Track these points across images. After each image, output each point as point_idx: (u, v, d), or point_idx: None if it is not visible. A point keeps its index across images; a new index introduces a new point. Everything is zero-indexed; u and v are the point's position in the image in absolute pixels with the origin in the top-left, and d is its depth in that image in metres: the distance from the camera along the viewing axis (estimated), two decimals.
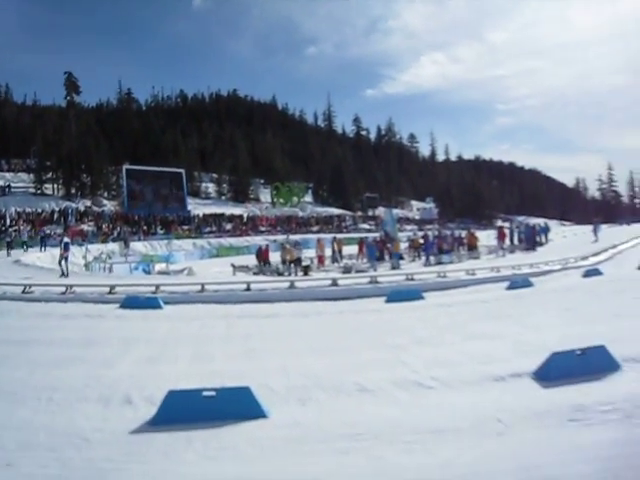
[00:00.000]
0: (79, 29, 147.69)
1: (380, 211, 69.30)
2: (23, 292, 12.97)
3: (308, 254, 25.07)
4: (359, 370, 6.20)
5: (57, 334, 8.91)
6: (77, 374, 6.34)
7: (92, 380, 6.03)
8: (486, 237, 29.25)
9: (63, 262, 17.48)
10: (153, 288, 13.09)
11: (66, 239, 19.17)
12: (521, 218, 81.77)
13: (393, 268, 20.92)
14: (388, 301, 11.69)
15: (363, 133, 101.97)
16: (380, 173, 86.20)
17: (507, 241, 28.17)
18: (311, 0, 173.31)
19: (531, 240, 28.25)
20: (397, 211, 65.47)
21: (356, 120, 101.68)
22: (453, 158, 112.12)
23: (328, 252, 25.87)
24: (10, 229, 37.06)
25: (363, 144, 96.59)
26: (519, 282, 13.25)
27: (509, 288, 12.85)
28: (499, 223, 62.56)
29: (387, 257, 24.27)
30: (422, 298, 11.94)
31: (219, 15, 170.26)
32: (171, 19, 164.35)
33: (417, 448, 4.03)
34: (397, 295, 11.90)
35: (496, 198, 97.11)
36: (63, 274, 17.08)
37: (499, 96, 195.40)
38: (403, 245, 26.90)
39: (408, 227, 61.04)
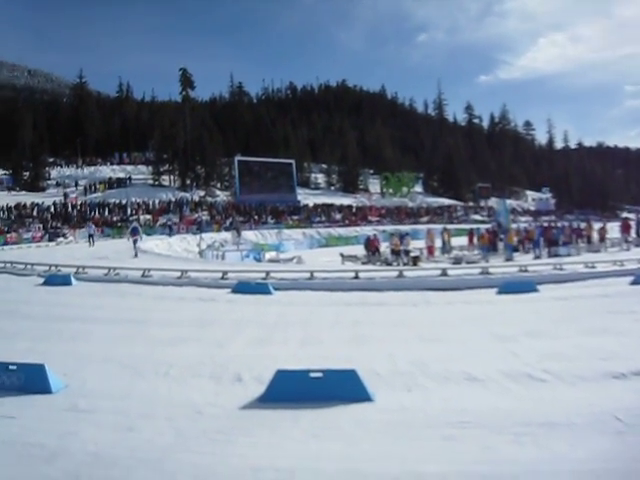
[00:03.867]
0: (193, 28, 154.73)
1: (493, 202, 67.19)
2: (142, 276, 13.90)
3: (418, 245, 24.78)
4: (468, 360, 6.03)
5: (173, 315, 9.47)
6: (191, 352, 6.71)
7: (205, 358, 6.34)
8: (609, 230, 27.40)
9: (133, 244, 19.50)
10: (263, 274, 13.44)
11: (134, 224, 21.33)
12: None
13: (506, 260, 20.23)
14: (500, 293, 11.25)
15: (475, 121, 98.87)
16: (493, 162, 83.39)
17: (632, 234, 26.28)
18: None
19: None
20: (511, 202, 62.96)
21: (468, 108, 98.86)
22: (573, 145, 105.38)
23: (438, 243, 25.45)
24: (131, 217, 40.09)
25: (475, 132, 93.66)
26: None
27: (634, 283, 11.91)
28: (624, 215, 58.41)
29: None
30: (536, 290, 11.38)
31: (329, 7, 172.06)
32: (281, 13, 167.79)
33: (527, 440, 3.85)
34: (509, 287, 11.41)
35: (621, 188, 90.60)
36: (136, 255, 18.95)
37: (628, 76, 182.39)
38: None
39: (522, 218, 58.62)
